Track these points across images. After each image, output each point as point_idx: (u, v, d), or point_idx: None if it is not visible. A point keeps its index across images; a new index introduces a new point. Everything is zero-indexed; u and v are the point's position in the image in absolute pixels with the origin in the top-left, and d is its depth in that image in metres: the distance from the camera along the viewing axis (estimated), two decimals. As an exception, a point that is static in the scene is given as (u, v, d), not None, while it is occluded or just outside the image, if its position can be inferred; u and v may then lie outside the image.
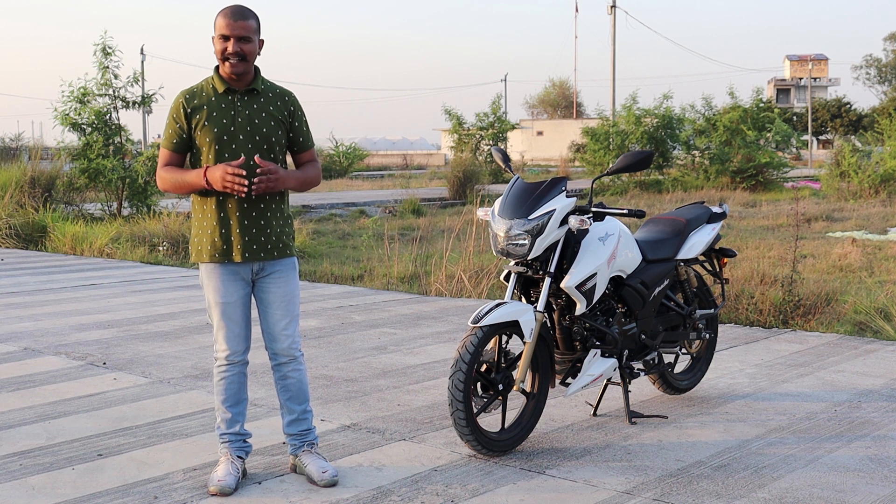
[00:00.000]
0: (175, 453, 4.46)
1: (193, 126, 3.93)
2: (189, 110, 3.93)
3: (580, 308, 4.58)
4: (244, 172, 3.79)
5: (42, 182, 16.68)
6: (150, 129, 57.95)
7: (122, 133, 17.95)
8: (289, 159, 4.19)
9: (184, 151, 3.99)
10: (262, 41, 3.97)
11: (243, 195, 3.82)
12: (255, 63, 3.96)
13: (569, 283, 4.51)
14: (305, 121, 4.12)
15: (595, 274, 4.57)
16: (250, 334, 4.09)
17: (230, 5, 3.93)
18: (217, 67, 3.97)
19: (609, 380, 4.97)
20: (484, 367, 4.40)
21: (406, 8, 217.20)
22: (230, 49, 3.85)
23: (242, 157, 3.85)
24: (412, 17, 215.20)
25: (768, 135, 30.68)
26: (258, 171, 3.83)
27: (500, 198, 4.64)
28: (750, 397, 5.44)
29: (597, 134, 32.35)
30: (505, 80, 66.12)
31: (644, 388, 5.62)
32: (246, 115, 3.93)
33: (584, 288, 4.55)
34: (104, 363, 6.32)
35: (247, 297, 4.05)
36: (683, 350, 5.45)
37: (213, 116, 3.91)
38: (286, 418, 4.18)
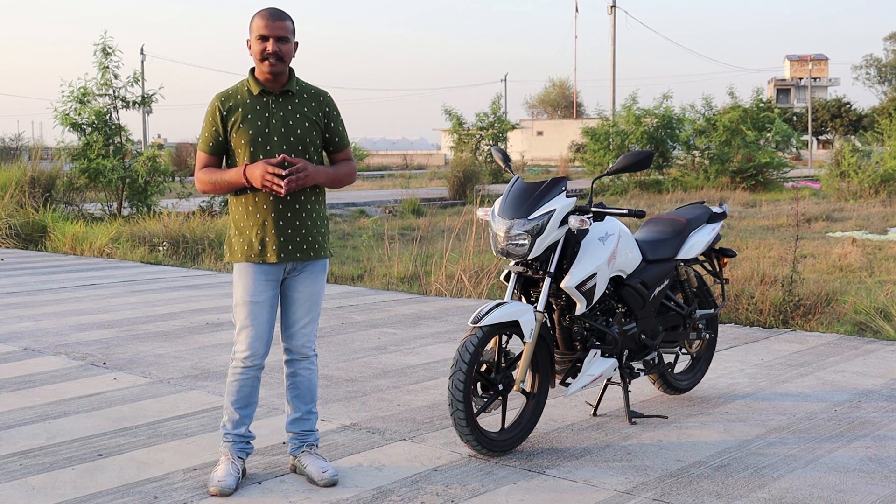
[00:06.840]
0: (175, 453, 4.45)
1: (229, 128, 3.95)
2: (224, 113, 3.95)
3: (580, 308, 4.58)
4: (283, 172, 3.81)
5: (42, 182, 16.67)
6: (150, 129, 58.03)
7: (122, 133, 17.95)
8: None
9: (220, 154, 4.01)
10: (297, 43, 4.01)
11: (282, 195, 3.84)
12: (290, 65, 3.99)
13: (569, 283, 4.51)
14: (341, 120, 4.15)
15: (595, 274, 4.57)
16: (271, 339, 4.08)
17: (267, 7, 3.97)
18: (252, 70, 4.00)
19: (609, 380, 4.97)
20: (484, 367, 4.40)
21: (405, 7, 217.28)
22: (269, 49, 3.88)
23: (281, 155, 3.86)
24: (411, 16, 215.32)
25: (768, 135, 30.70)
26: (286, 170, 3.85)
27: (500, 198, 4.64)
28: (750, 397, 5.44)
29: (597, 134, 32.37)
30: (505, 80, 66.10)
31: (644, 388, 5.62)
32: (280, 116, 3.95)
33: (584, 288, 4.55)
34: (104, 363, 6.32)
35: (275, 298, 4.05)
36: (683, 350, 5.45)
37: (248, 119, 3.93)
38: (290, 416, 4.18)
